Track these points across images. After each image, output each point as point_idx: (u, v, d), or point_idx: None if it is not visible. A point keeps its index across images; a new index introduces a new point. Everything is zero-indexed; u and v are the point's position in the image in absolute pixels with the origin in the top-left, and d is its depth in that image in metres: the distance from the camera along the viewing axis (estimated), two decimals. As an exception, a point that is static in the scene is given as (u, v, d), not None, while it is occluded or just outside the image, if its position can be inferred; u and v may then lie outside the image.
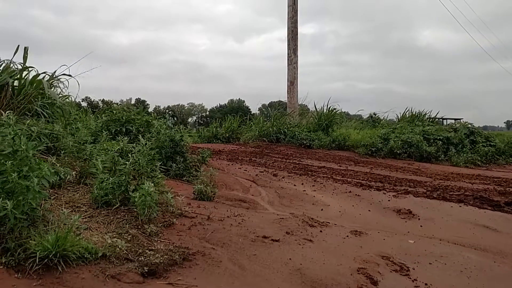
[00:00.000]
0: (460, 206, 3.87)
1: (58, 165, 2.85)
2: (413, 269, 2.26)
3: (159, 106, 54.21)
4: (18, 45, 4.10)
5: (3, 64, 3.96)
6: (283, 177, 4.88)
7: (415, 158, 7.74)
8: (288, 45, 12.48)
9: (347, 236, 2.78)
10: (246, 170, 5.16)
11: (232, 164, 5.49)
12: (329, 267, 2.19)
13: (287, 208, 3.59)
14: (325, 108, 10.66)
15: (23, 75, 4.07)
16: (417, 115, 11.52)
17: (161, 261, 1.88)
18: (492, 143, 8.46)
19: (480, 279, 2.25)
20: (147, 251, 1.98)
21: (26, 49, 4.13)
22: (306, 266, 2.09)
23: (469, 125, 8.86)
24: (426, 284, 2.07)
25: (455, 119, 18.77)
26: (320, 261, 2.24)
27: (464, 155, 7.71)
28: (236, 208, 3.21)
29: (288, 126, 9.31)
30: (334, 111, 10.62)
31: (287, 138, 8.86)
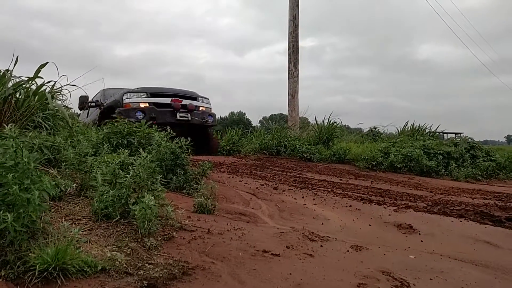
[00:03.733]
0: (460, 221, 3.85)
1: (59, 177, 2.86)
2: (414, 284, 2.25)
3: (160, 118, 54.18)
4: (17, 56, 4.13)
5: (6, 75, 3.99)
6: (283, 190, 4.87)
7: (416, 172, 7.74)
8: (289, 58, 12.58)
9: (348, 251, 2.76)
10: (246, 183, 5.16)
11: (232, 177, 5.49)
12: (329, 282, 2.18)
13: (288, 221, 3.58)
14: (325, 121, 10.71)
15: (27, 86, 4.11)
16: (417, 129, 11.55)
17: (161, 275, 1.87)
18: (492, 158, 8.46)
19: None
20: (146, 264, 1.97)
21: (43, 65, 4.16)
22: (306, 281, 2.08)
23: (469, 140, 8.87)
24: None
25: (456, 133, 18.79)
26: (321, 276, 2.23)
27: (465, 169, 7.72)
28: (236, 222, 3.21)
29: (289, 139, 9.33)
30: (335, 124, 10.66)
31: (288, 151, 8.87)
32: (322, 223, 3.64)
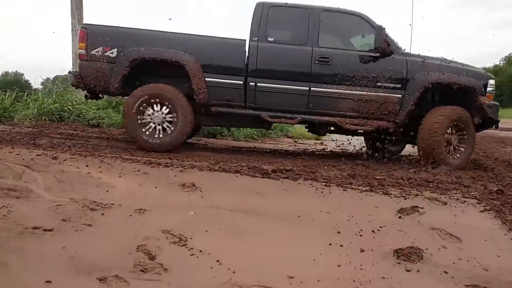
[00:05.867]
0: (236, 176, 4.33)
1: None
2: (191, 238, 2.45)
3: None
4: None
5: None
6: (64, 160, 4.47)
7: (203, 135, 8.27)
8: (72, 13, 11.30)
9: (131, 215, 2.79)
10: (19, 154, 4.51)
11: (1, 148, 4.71)
12: (107, 249, 2.16)
13: (68, 193, 3.33)
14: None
15: None
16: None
17: None
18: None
19: (247, 236, 2.61)
20: None
21: None
22: (81, 253, 2.01)
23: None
24: (201, 251, 2.27)
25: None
26: (98, 245, 2.19)
27: (244, 130, 8.67)
28: (2, 199, 2.80)
29: (73, 103, 8.54)
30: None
31: (72, 116, 8.14)
32: (107, 191, 3.52)
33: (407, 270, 2.17)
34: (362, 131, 5.51)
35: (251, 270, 2.13)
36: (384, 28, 5.07)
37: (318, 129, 5.82)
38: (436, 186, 4.16)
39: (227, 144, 7.51)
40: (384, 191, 3.91)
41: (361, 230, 2.78)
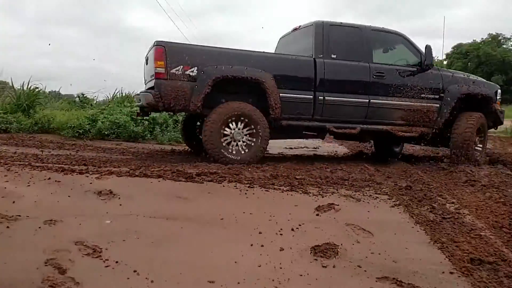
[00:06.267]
0: (159, 181, 4.21)
1: None
2: (106, 249, 2.32)
3: None
4: None
5: None
6: (-38, 170, 4.03)
7: (124, 139, 7.94)
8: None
9: (40, 227, 2.58)
10: None
11: None
12: (12, 266, 1.98)
13: (-35, 206, 3.00)
14: (25, 86, 9.40)
15: None
16: (127, 97, 11.75)
17: None
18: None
19: (167, 244, 2.54)
20: None
21: None
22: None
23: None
24: (116, 262, 2.16)
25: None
26: (2, 261, 2.00)
27: (168, 133, 8.47)
28: None
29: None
30: (37, 90, 9.53)
31: (-25, 121, 7.37)
32: (14, 202, 3.23)
33: (323, 266, 2.26)
34: (409, 137, 6.07)
35: (170, 278, 2.07)
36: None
37: (364, 137, 6.43)
38: (351, 184, 4.40)
39: (150, 148, 7.29)
40: (303, 190, 4.04)
41: (281, 229, 2.85)
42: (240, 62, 5.18)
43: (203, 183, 4.26)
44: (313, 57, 5.50)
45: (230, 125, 5.12)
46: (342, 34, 5.72)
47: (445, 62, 42.84)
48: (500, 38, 40.48)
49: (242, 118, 5.12)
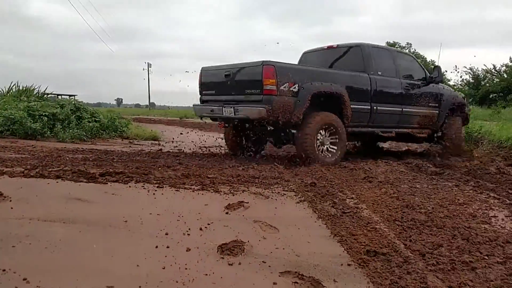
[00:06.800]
0: (57, 182, 3.90)
1: None
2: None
3: None
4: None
5: None
6: None
7: (20, 136, 7.23)
8: None
9: None
10: None
11: None
12: None
13: None
14: None
15: None
16: (25, 90, 10.74)
17: None
18: (97, 119, 9.08)
19: (63, 249, 2.35)
20: None
21: None
22: None
23: (75, 102, 9.13)
24: (4, 270, 1.95)
25: (70, 95, 18.88)
26: None
27: (70, 131, 7.89)
28: None
29: None
30: None
31: None
32: None
33: (229, 264, 2.26)
34: (422, 137, 7.57)
35: (64, 285, 1.92)
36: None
37: (383, 140, 7.82)
38: (261, 181, 4.50)
39: (50, 146, 6.71)
40: (215, 189, 4.03)
41: (189, 229, 2.80)
42: (326, 79, 6.00)
43: (107, 183, 4.04)
44: (367, 74, 6.52)
45: (321, 131, 5.91)
46: (380, 54, 6.93)
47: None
48: (396, 46, 44.40)
49: (329, 127, 5.95)
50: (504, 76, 30.56)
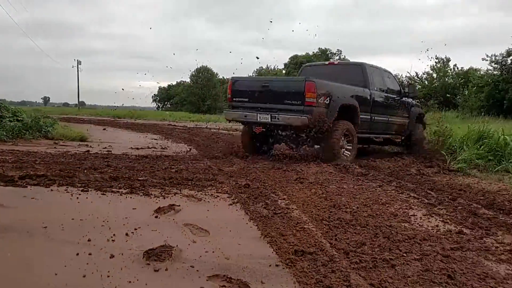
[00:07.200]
0: (-33, 186, 3.56)
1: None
2: None
3: None
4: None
5: None
6: None
7: None
8: None
9: None
10: None
11: None
12: None
13: None
14: None
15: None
16: None
17: None
18: (19, 118, 8.44)
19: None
20: None
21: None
22: None
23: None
24: None
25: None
26: None
27: (-12, 130, 7.26)
28: None
29: None
30: None
31: None
32: None
33: (155, 271, 2.19)
34: (397, 142, 9.33)
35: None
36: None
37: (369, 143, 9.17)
38: (194, 184, 4.43)
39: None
40: (145, 192, 3.91)
41: (114, 235, 2.68)
42: (346, 94, 7.20)
43: (26, 187, 3.78)
44: (369, 89, 7.74)
45: (342, 137, 6.90)
46: (375, 72, 8.21)
47: (284, 72, 46.84)
48: (328, 52, 46.19)
49: (347, 133, 6.98)
50: (425, 83, 32.87)
